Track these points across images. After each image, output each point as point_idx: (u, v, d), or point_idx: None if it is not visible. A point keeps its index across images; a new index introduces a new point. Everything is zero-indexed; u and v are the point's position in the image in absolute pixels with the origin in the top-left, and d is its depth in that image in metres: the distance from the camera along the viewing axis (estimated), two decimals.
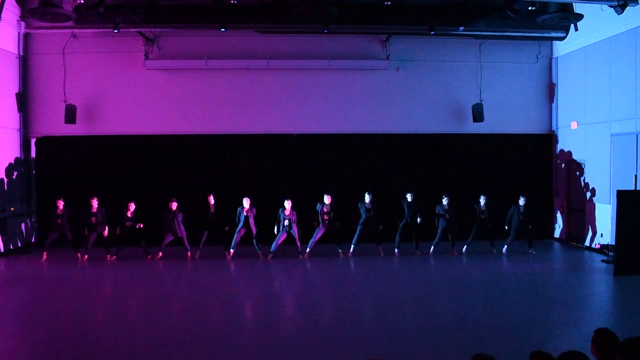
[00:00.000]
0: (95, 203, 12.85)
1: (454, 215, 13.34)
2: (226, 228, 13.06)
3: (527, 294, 9.71)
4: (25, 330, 7.72)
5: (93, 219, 12.78)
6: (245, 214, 12.80)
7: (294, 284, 11.41)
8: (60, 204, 12.75)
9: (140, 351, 6.78)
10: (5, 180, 13.75)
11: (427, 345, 7.00)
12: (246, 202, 12.89)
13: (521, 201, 13.37)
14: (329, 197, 13.06)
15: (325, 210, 13.01)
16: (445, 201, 13.28)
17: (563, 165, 15.27)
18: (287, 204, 12.89)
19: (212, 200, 13.16)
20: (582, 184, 14.29)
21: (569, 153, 14.99)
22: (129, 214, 12.87)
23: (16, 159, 14.31)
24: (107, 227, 12.86)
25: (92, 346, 6.94)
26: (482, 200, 13.38)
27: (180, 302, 9.60)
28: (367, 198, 13.22)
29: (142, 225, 12.91)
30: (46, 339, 7.23)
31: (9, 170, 13.94)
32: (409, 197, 13.39)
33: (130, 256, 12.93)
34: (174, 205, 12.96)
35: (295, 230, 12.88)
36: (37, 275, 11.48)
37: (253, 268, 12.27)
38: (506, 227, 13.46)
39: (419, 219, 13.28)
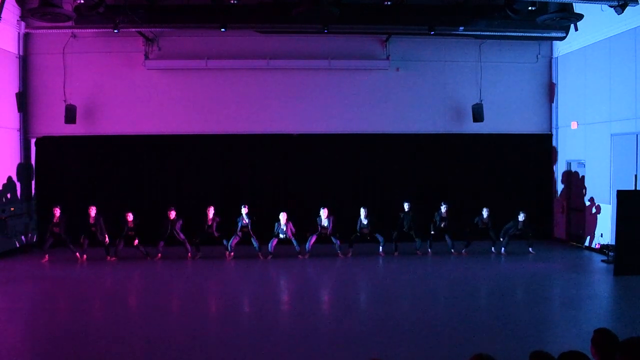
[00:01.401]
0: (93, 212, 12.78)
1: (452, 223, 13.30)
2: (219, 235, 13.06)
3: (527, 294, 9.71)
4: (25, 330, 7.73)
5: (92, 229, 12.74)
6: (243, 222, 12.83)
7: (293, 284, 11.41)
8: (57, 212, 12.64)
9: (140, 351, 6.78)
10: (5, 180, 13.75)
11: (427, 345, 7.00)
12: (244, 210, 12.89)
13: (520, 217, 13.25)
14: (326, 210, 13.01)
15: (322, 224, 12.98)
16: (443, 209, 13.26)
17: (563, 165, 15.27)
18: (282, 217, 12.87)
19: (210, 212, 13.02)
20: (582, 184, 14.29)
21: (569, 153, 14.99)
22: (129, 225, 12.82)
23: (16, 159, 14.30)
24: (106, 235, 12.76)
25: (92, 346, 6.94)
26: (484, 213, 13.32)
27: (180, 302, 9.61)
28: (362, 213, 13.16)
29: (137, 242, 12.86)
30: (46, 339, 7.23)
31: (8, 170, 13.93)
32: (405, 206, 13.34)
33: (130, 256, 12.92)
34: (172, 214, 12.92)
35: (291, 237, 12.89)
36: (37, 275, 11.47)
37: (253, 268, 12.27)
38: (501, 239, 13.37)
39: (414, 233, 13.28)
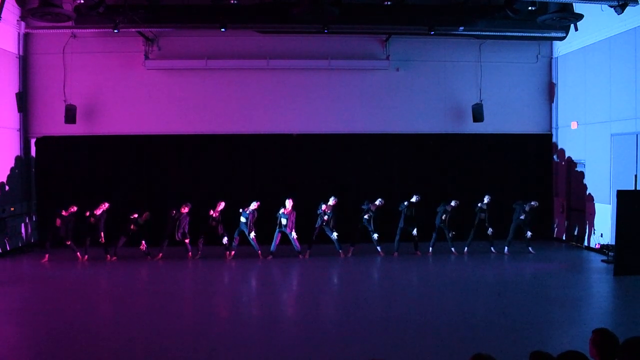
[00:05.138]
0: (104, 207, 12.77)
1: (454, 215, 13.32)
2: (224, 241, 13.01)
3: (527, 294, 9.70)
4: (25, 330, 7.72)
5: (92, 219, 12.74)
6: (246, 214, 12.82)
7: (294, 284, 11.42)
8: (74, 208, 12.59)
9: (141, 351, 6.78)
10: (6, 180, 13.75)
11: (427, 345, 7.00)
12: (253, 205, 12.87)
13: (526, 207, 13.30)
14: (334, 199, 13.09)
15: (325, 210, 13.01)
16: (453, 203, 13.22)
17: (563, 165, 15.27)
18: (288, 203, 12.86)
19: (221, 206, 13.02)
20: (582, 184, 14.29)
21: (569, 153, 14.99)
22: (133, 220, 12.79)
23: (16, 159, 14.31)
24: (102, 233, 12.72)
25: (92, 346, 6.93)
26: (486, 199, 13.32)
27: (181, 301, 9.61)
28: (377, 202, 13.17)
29: (144, 246, 12.85)
30: (46, 339, 7.23)
31: (9, 170, 13.94)
32: (414, 198, 13.31)
33: (130, 256, 12.92)
34: (186, 209, 12.87)
35: (292, 234, 12.86)
36: (37, 275, 11.48)
37: (253, 268, 12.27)
38: (510, 231, 13.41)
39: (415, 231, 13.19)
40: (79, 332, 7.53)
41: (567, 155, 15.08)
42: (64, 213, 12.57)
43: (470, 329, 7.60)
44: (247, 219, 12.79)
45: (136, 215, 12.79)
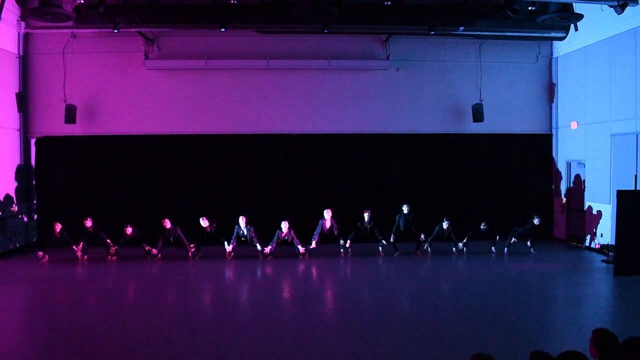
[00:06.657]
0: (89, 223, 12.70)
1: (454, 221, 13.27)
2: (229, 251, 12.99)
3: (527, 294, 9.71)
4: (25, 330, 7.73)
5: (90, 229, 12.71)
6: (240, 232, 12.81)
7: (293, 284, 11.40)
8: (58, 227, 12.58)
9: (140, 351, 6.77)
10: (5, 180, 13.74)
11: (427, 345, 7.00)
12: (242, 221, 12.86)
13: (536, 221, 13.14)
14: (330, 211, 13.07)
15: (326, 226, 13.04)
16: (445, 225, 13.11)
17: (563, 165, 15.27)
18: (284, 225, 12.83)
19: (205, 223, 12.96)
20: (582, 184, 14.29)
21: (569, 153, 14.98)
22: (128, 236, 12.77)
23: (16, 159, 14.30)
24: (108, 240, 12.72)
25: (92, 346, 6.93)
26: (482, 227, 13.16)
27: (181, 301, 9.60)
28: (366, 217, 13.15)
29: (148, 248, 12.82)
30: (46, 338, 7.23)
31: (8, 170, 13.93)
32: (404, 208, 13.29)
33: (130, 256, 12.92)
34: (167, 223, 12.84)
35: (297, 246, 12.92)
36: (37, 275, 11.47)
37: (253, 268, 12.27)
38: (509, 238, 13.39)
39: (422, 237, 13.18)
40: (79, 331, 7.53)
41: (567, 155, 15.08)
42: (57, 235, 12.58)
43: (470, 328, 7.60)
44: (247, 233, 12.79)
45: (130, 229, 12.74)
